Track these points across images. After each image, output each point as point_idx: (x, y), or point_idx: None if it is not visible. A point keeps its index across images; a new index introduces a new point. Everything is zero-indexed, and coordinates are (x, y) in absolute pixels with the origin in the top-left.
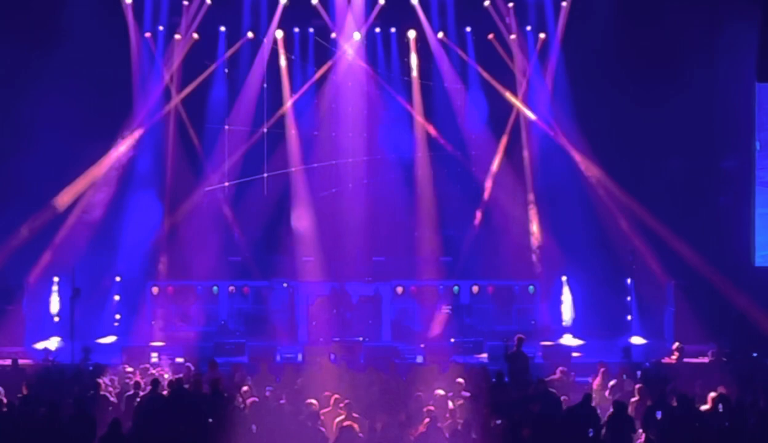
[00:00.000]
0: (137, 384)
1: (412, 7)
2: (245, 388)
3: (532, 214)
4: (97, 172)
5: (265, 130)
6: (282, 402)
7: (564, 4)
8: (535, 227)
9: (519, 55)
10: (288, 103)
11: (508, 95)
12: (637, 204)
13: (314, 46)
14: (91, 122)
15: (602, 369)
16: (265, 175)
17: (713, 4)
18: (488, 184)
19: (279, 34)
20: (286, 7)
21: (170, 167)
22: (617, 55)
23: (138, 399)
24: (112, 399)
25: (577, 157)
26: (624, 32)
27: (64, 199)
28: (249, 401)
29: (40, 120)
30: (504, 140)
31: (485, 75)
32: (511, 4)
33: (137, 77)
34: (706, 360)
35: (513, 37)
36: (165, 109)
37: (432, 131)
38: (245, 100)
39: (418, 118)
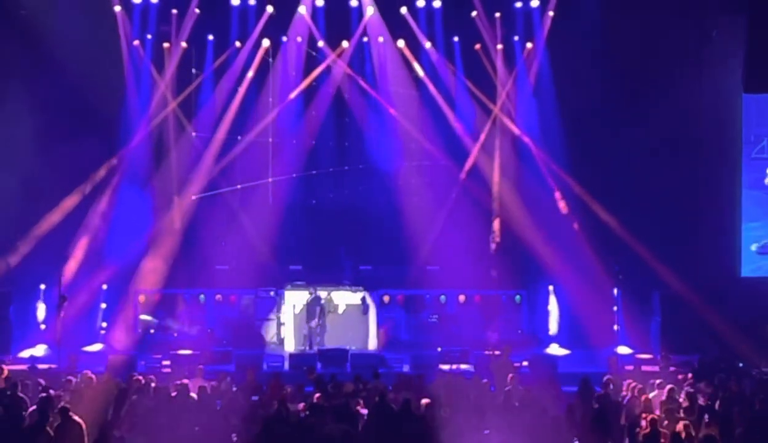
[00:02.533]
0: (123, 393)
1: (400, 17)
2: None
3: (496, 222)
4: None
5: (238, 137)
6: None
7: (550, 13)
8: (496, 233)
9: (500, 65)
10: (274, 112)
11: (491, 105)
12: (624, 214)
13: (301, 56)
14: (79, 130)
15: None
16: (242, 185)
17: (700, 16)
18: (472, 193)
19: (266, 42)
20: (273, 17)
21: (158, 175)
22: (603, 66)
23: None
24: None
25: (560, 168)
26: (610, 43)
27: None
28: None
29: (28, 131)
30: (478, 149)
31: (469, 84)
32: (498, 14)
33: (131, 86)
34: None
35: (500, 46)
36: (155, 119)
37: (419, 139)
38: (231, 108)
39: (400, 129)
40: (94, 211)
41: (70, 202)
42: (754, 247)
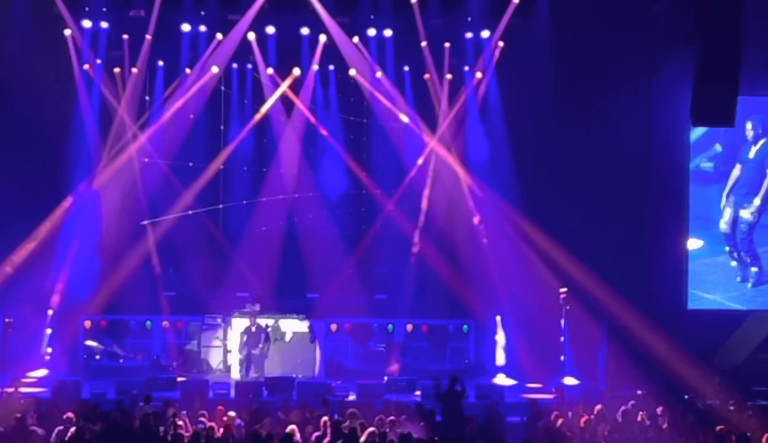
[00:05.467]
0: (69, 419)
1: (351, 45)
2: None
3: (415, 249)
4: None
5: (191, 164)
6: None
7: (500, 43)
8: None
9: (445, 94)
10: (236, 140)
11: (430, 134)
12: (572, 245)
13: (252, 82)
14: (29, 156)
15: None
16: (197, 210)
17: (649, 48)
18: (421, 223)
19: (215, 69)
20: (223, 44)
21: (107, 200)
22: (552, 96)
23: (69, 434)
24: (39, 432)
25: (508, 197)
26: (560, 73)
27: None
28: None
29: None
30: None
31: (415, 114)
32: (447, 44)
33: (85, 111)
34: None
35: (449, 76)
36: (107, 145)
37: (358, 171)
38: (178, 134)
39: (348, 158)
40: (43, 237)
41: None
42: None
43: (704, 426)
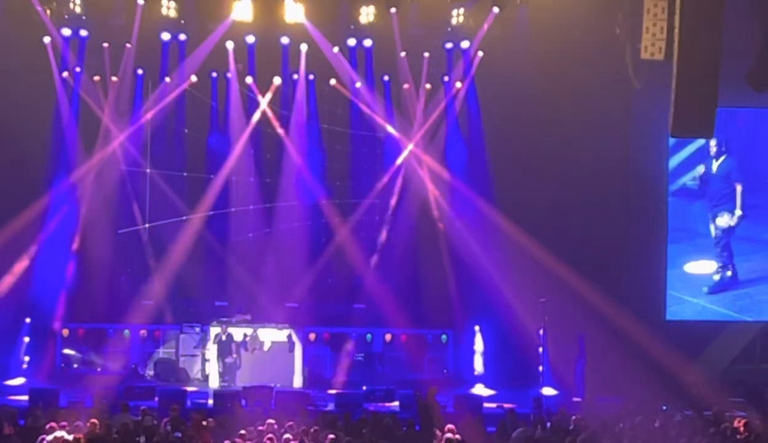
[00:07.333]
0: (52, 429)
1: (332, 54)
2: None
3: (373, 262)
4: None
5: (185, 174)
6: None
7: (480, 54)
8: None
9: (422, 103)
10: (233, 154)
11: (405, 142)
12: (550, 255)
13: (231, 91)
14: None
15: None
16: (187, 217)
17: (627, 57)
18: (399, 232)
19: (193, 78)
20: (202, 52)
21: (86, 208)
22: (531, 107)
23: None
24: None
25: (489, 209)
26: (539, 85)
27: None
28: None
29: None
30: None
31: (395, 123)
32: (427, 54)
33: (66, 118)
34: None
35: (428, 86)
36: (85, 153)
37: (336, 180)
38: (160, 142)
39: (326, 166)
40: (20, 244)
41: None
42: (705, 289)
43: (683, 435)
